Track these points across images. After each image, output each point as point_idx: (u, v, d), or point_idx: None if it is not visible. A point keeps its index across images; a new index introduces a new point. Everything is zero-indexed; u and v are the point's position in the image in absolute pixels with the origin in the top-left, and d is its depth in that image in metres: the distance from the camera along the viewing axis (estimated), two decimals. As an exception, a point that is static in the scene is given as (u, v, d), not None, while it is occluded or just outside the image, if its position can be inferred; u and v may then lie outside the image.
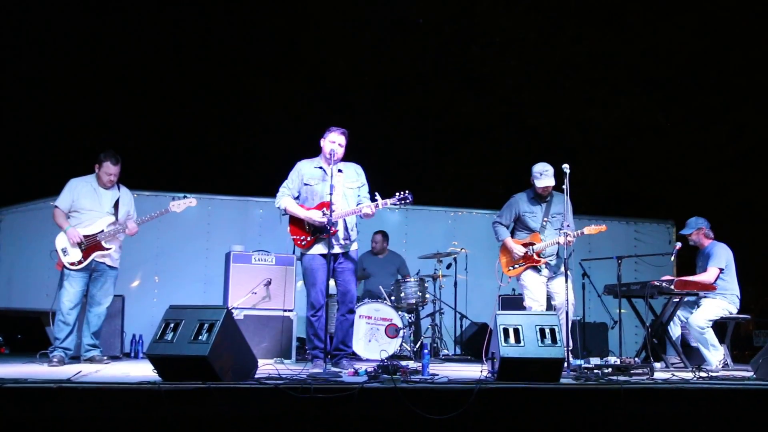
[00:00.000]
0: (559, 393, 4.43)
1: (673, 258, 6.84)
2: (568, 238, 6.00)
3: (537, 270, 6.37)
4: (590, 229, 6.24)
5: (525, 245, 6.39)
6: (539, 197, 6.44)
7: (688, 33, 13.37)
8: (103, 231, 6.16)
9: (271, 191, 9.63)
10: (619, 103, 14.02)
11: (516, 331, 4.71)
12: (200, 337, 4.26)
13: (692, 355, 6.89)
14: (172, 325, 4.40)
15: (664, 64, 13.73)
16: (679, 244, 6.84)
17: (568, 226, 5.98)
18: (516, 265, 6.42)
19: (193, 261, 9.27)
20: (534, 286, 6.34)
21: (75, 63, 11.17)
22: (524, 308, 7.84)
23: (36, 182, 9.67)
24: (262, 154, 12.64)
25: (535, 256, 6.33)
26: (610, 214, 10.65)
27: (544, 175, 6.26)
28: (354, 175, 5.92)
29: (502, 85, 14.68)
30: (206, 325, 4.30)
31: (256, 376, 4.60)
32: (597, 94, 14.06)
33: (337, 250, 5.73)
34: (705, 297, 6.81)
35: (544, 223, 6.40)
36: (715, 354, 6.61)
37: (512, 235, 6.56)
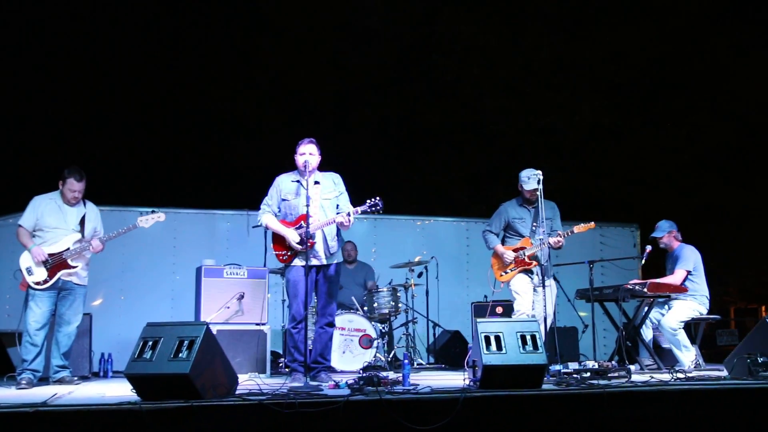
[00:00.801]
0: (543, 399, 4.43)
1: (644, 261, 6.92)
2: (558, 238, 6.09)
3: (528, 274, 6.43)
4: (579, 228, 6.34)
5: (515, 250, 6.46)
6: (527, 203, 6.54)
7: (645, 38, 13.64)
8: (69, 249, 6.01)
9: (236, 204, 9.61)
10: (579, 108, 14.21)
11: (497, 339, 4.70)
12: (180, 355, 4.18)
13: (663, 357, 6.98)
14: (150, 343, 4.31)
15: (623, 69, 13.97)
16: (649, 248, 6.93)
17: (544, 231, 6.08)
18: (508, 270, 6.45)
19: (160, 276, 9.08)
20: (524, 290, 6.39)
21: (35, 78, 10.93)
22: (497, 314, 7.93)
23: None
24: (226, 166, 12.52)
25: (526, 259, 6.39)
26: (575, 219, 10.74)
27: (531, 179, 6.32)
28: (331, 185, 5.89)
29: (464, 92, 14.78)
30: (186, 342, 4.22)
31: (237, 391, 4.52)
32: (558, 100, 14.24)
33: (315, 262, 5.69)
34: (676, 299, 6.90)
35: (534, 228, 6.49)
36: (687, 355, 6.71)
37: (503, 243, 6.62)
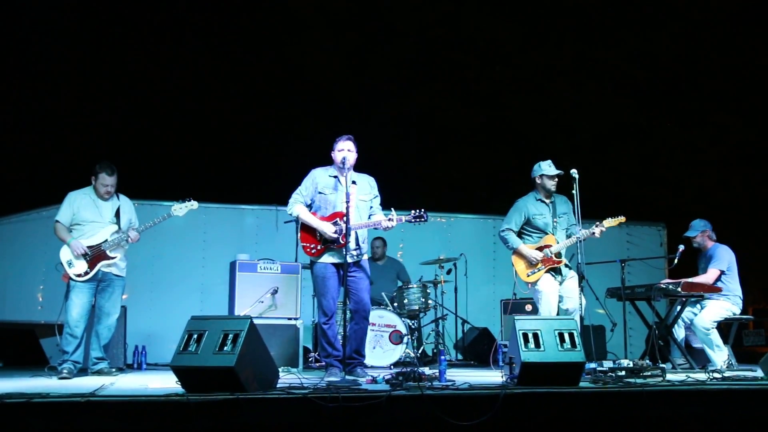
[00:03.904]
0: (581, 397, 4.47)
1: (677, 260, 6.91)
2: (602, 228, 6.19)
3: (554, 273, 6.28)
4: (609, 222, 6.31)
5: (540, 249, 6.29)
6: (546, 197, 6.41)
7: (669, 37, 13.59)
8: (107, 240, 6.11)
9: (264, 199, 9.67)
10: (603, 106, 14.17)
11: (535, 336, 4.72)
12: (225, 348, 4.24)
13: (695, 356, 6.97)
14: (195, 336, 4.37)
15: (647, 67, 13.93)
16: (682, 247, 6.92)
17: (579, 228, 6.10)
18: (535, 270, 6.25)
19: (189, 270, 9.18)
20: (551, 291, 6.20)
21: (66, 73, 11.05)
22: (526, 312, 7.93)
23: (27, 193, 9.54)
24: (254, 162, 12.59)
25: (554, 258, 6.24)
26: (602, 218, 10.71)
27: (552, 166, 6.33)
28: (367, 188, 5.91)
29: (486, 90, 14.77)
30: (231, 336, 4.28)
31: (278, 385, 4.58)
32: (582, 98, 14.20)
33: (348, 259, 5.71)
34: (709, 298, 6.89)
35: (554, 224, 6.35)
36: (720, 354, 6.69)
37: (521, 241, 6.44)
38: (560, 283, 6.30)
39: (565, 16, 13.98)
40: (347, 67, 14.37)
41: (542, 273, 6.25)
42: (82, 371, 6.04)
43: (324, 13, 13.88)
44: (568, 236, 6.35)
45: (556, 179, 6.35)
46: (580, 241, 6.11)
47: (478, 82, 14.89)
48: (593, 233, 6.19)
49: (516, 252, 6.39)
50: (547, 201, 6.43)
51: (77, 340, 5.90)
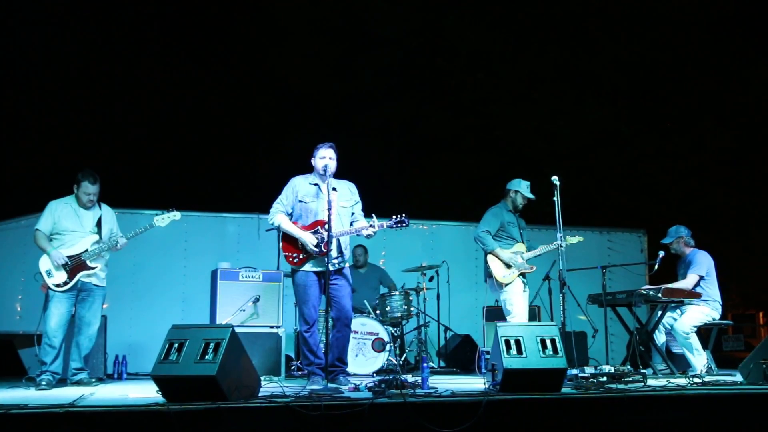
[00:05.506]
0: (563, 403, 4.48)
1: (657, 266, 6.98)
2: (562, 246, 6.42)
3: (523, 279, 6.66)
4: (570, 240, 6.71)
5: (514, 254, 6.67)
6: (515, 210, 6.85)
7: (651, 46, 13.73)
8: (87, 250, 6.06)
9: (246, 207, 9.63)
10: (584, 114, 14.28)
11: (518, 343, 4.74)
12: (206, 357, 4.21)
13: (675, 362, 7.02)
14: (176, 345, 4.33)
15: (629, 76, 14.06)
16: (662, 253, 6.98)
17: (561, 237, 6.22)
18: (509, 273, 6.59)
19: (171, 279, 9.10)
20: (522, 294, 6.61)
21: (50, 82, 10.99)
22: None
23: (7, 202, 9.44)
24: (236, 170, 12.56)
25: (525, 264, 6.61)
26: (583, 224, 10.77)
27: (529, 190, 6.75)
28: (348, 194, 5.91)
29: (469, 98, 14.83)
30: (212, 345, 4.25)
31: (260, 394, 4.55)
32: (562, 106, 14.30)
33: (330, 268, 5.69)
34: (689, 304, 6.95)
35: (521, 234, 6.79)
36: (699, 359, 6.75)
37: None
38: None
39: (547, 25, 14.09)
40: (329, 75, 14.39)
41: (516, 276, 6.61)
42: (62, 382, 5.97)
43: (306, 21, 13.90)
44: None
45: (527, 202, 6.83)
46: (549, 251, 6.58)
47: (460, 90, 14.95)
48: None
49: (492, 253, 6.68)
50: (515, 213, 6.89)
51: (56, 351, 5.83)
